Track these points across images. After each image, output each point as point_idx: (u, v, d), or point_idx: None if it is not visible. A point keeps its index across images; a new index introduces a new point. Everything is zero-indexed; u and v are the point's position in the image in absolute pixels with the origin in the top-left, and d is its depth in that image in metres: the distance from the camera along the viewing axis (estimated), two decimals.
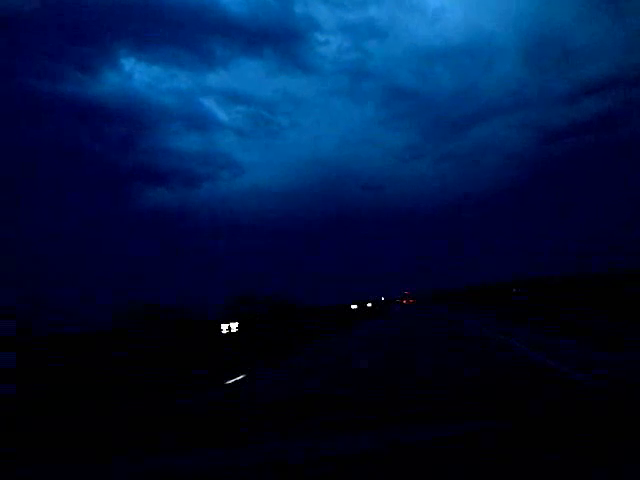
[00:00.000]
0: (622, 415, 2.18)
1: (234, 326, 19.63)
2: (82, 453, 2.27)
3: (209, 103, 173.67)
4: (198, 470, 1.85)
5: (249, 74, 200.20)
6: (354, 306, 59.18)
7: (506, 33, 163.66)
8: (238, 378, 9.57)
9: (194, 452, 2.08)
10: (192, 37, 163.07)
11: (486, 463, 1.93)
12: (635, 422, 2.08)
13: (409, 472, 1.82)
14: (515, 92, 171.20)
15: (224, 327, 19.26)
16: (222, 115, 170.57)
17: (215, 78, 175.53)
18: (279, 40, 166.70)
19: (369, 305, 74.10)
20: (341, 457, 1.85)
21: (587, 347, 9.43)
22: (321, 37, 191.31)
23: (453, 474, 1.85)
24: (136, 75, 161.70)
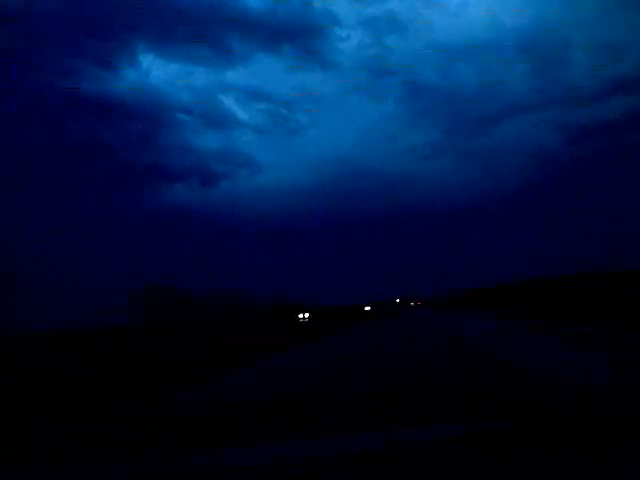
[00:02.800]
0: (622, 415, 2.19)
1: None
2: (83, 452, 2.27)
3: (228, 100, 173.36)
4: (198, 470, 1.85)
5: (268, 71, 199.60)
6: (303, 315, 43.37)
7: (530, 28, 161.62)
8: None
9: (194, 452, 2.08)
10: (211, 34, 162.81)
11: (486, 463, 1.92)
12: (635, 422, 2.08)
13: (409, 472, 1.82)
14: (539, 90, 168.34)
15: None
16: (240, 112, 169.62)
17: (234, 75, 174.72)
18: (298, 36, 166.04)
19: (367, 309, 66.25)
20: (341, 457, 1.85)
21: None
22: (341, 32, 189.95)
23: (453, 474, 1.85)
24: (155, 72, 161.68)
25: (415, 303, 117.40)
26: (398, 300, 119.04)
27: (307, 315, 40.65)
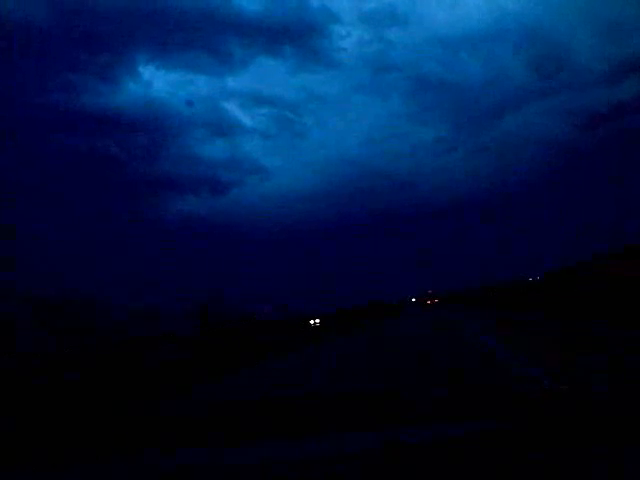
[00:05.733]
0: (622, 415, 2.18)
1: None
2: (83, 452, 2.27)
3: (232, 107, 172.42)
4: (198, 470, 1.85)
5: (270, 74, 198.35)
6: None
7: (535, 12, 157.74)
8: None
9: (194, 452, 2.08)
10: (209, 40, 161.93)
11: (486, 463, 1.92)
12: (635, 422, 2.08)
13: (409, 472, 1.82)
14: (549, 75, 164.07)
15: None
16: (246, 118, 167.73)
17: (236, 81, 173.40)
18: (298, 36, 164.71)
19: (315, 322, 37.39)
20: (341, 457, 1.85)
21: None
22: (341, 30, 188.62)
23: (453, 474, 1.85)
24: (156, 83, 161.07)
25: (432, 301, 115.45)
26: (414, 299, 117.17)
27: None
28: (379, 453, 1.87)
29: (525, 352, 9.81)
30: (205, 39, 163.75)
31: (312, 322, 43.63)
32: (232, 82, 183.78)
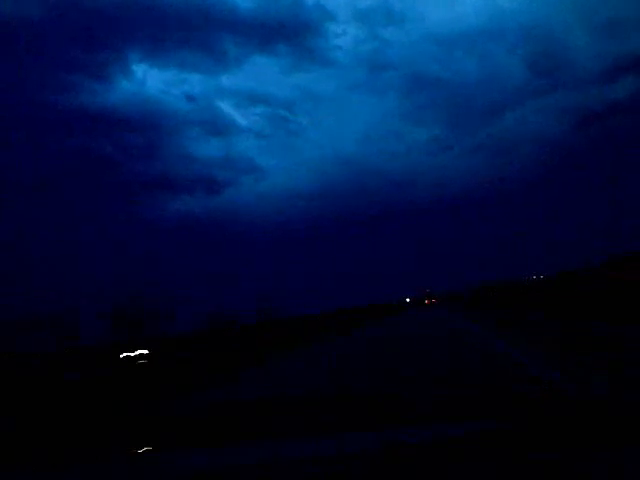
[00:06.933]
0: (622, 415, 2.19)
1: None
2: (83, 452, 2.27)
3: (226, 106, 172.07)
4: (198, 470, 1.85)
5: (265, 73, 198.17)
6: None
7: (531, 11, 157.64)
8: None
9: (194, 452, 2.08)
10: (204, 38, 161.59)
11: (486, 463, 1.92)
12: (635, 422, 2.08)
13: (409, 472, 1.82)
14: (544, 73, 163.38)
15: None
16: (240, 118, 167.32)
17: (231, 79, 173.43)
18: (292, 35, 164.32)
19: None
20: (341, 457, 1.85)
21: None
22: (336, 28, 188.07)
23: (453, 474, 1.85)
24: (149, 81, 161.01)
25: (430, 301, 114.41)
26: (408, 300, 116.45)
27: None
28: (379, 453, 1.87)
29: (525, 352, 9.99)
30: (199, 37, 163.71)
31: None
32: (226, 81, 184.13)
